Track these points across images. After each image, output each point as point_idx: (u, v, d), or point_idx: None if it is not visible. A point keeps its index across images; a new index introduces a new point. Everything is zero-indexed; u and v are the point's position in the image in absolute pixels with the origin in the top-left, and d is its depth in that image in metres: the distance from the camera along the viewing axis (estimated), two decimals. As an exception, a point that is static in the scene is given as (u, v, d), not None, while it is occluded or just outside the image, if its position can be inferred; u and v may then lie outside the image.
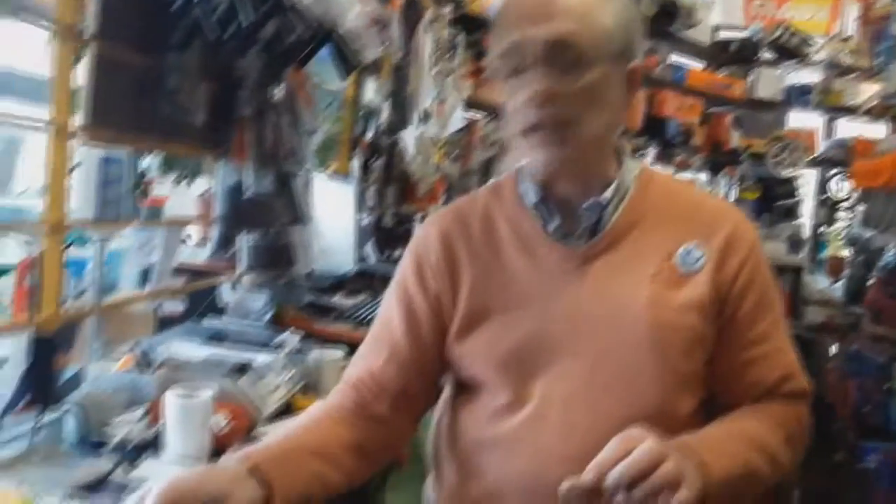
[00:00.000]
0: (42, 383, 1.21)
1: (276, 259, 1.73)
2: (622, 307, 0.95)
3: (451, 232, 1.04)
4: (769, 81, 4.16)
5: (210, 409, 1.27)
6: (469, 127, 3.14)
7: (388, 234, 3.09)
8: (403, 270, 1.06)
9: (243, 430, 1.38)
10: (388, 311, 1.06)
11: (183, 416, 1.24)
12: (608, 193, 0.98)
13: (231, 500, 0.80)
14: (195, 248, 1.91)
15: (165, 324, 1.89)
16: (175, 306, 1.89)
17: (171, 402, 1.24)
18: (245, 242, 1.69)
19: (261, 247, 1.69)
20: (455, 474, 1.04)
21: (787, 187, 4.12)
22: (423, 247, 1.05)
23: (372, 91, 2.83)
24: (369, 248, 2.94)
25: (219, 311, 1.92)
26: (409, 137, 2.35)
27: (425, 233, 1.07)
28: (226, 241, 1.65)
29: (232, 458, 0.87)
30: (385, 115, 2.79)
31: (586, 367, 0.95)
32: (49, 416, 1.26)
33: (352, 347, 1.83)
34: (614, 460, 0.79)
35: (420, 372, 1.03)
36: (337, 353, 1.74)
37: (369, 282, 2.59)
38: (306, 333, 1.89)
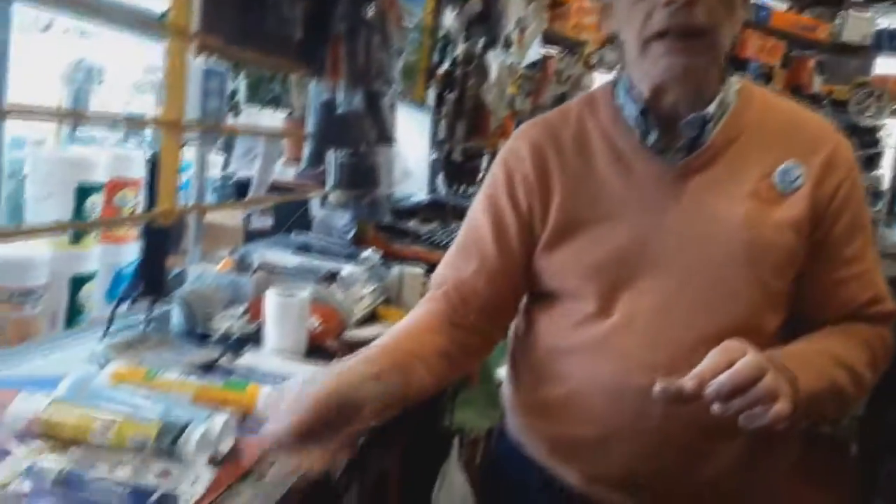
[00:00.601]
0: (154, 276, 1.30)
1: (361, 178, 1.78)
2: (717, 224, 0.96)
3: (542, 144, 1.04)
4: (857, 24, 3.96)
5: (307, 307, 1.35)
6: (544, 61, 3.11)
7: (456, 169, 3.11)
8: (494, 182, 1.08)
9: (334, 331, 1.46)
10: (477, 221, 1.07)
11: (282, 313, 1.32)
12: (711, 108, 0.97)
13: (366, 408, 0.85)
14: (284, 167, 1.98)
15: (253, 238, 1.98)
16: (263, 221, 1.97)
17: (272, 299, 1.32)
18: (334, 160, 1.75)
19: (348, 165, 1.74)
20: (534, 379, 1.07)
21: (870, 136, 3.96)
22: (514, 159, 1.05)
23: (450, 21, 2.82)
24: (439, 181, 2.98)
25: (304, 227, 1.99)
26: (493, 62, 2.34)
27: (516, 145, 1.07)
28: (317, 158, 1.71)
29: (358, 363, 0.92)
30: (461, 46, 2.78)
31: (676, 282, 0.96)
32: (159, 308, 1.36)
33: (429, 267, 1.90)
34: (716, 370, 0.80)
35: (508, 283, 1.05)
36: (417, 269, 1.80)
37: (440, 212, 2.64)
38: (385, 252, 1.96)
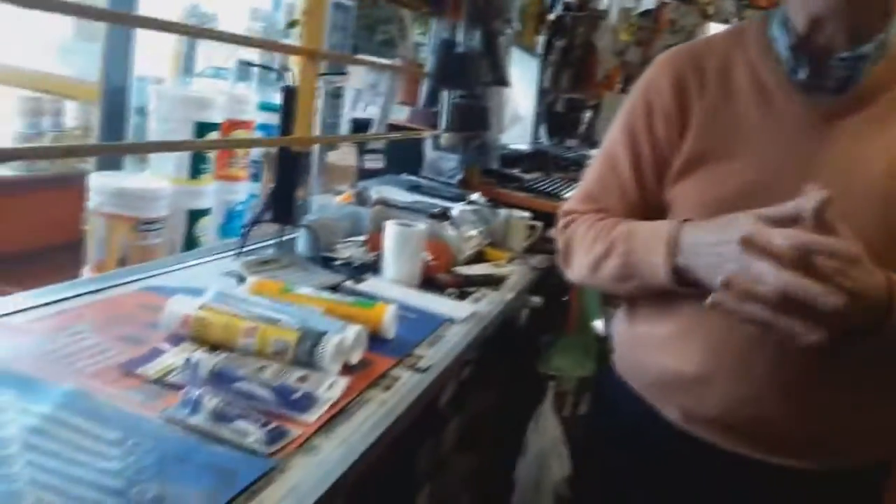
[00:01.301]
0: (284, 202, 1.37)
1: (473, 120, 1.79)
2: (856, 172, 0.91)
3: (683, 73, 1.01)
4: None
5: (423, 239, 1.39)
6: (658, 9, 3.00)
7: (559, 120, 3.07)
8: (632, 114, 1.06)
9: (444, 266, 1.49)
10: (614, 151, 1.06)
11: (401, 243, 1.36)
12: (869, 47, 0.91)
13: None
14: (397, 108, 2.01)
15: (366, 177, 2.03)
16: (376, 162, 2.02)
17: (392, 230, 1.37)
18: (447, 101, 1.76)
19: (461, 106, 1.75)
20: (647, 313, 1.05)
21: None
22: (653, 91, 1.03)
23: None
24: (542, 130, 2.95)
25: (413, 168, 2.03)
26: (612, 4, 2.27)
27: (656, 75, 1.04)
28: (433, 97, 1.72)
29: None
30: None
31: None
32: (288, 233, 1.42)
33: (535, 214, 1.90)
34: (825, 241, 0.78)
35: (644, 214, 1.04)
36: (524, 214, 1.81)
37: (542, 161, 2.63)
38: (490, 197, 1.97)
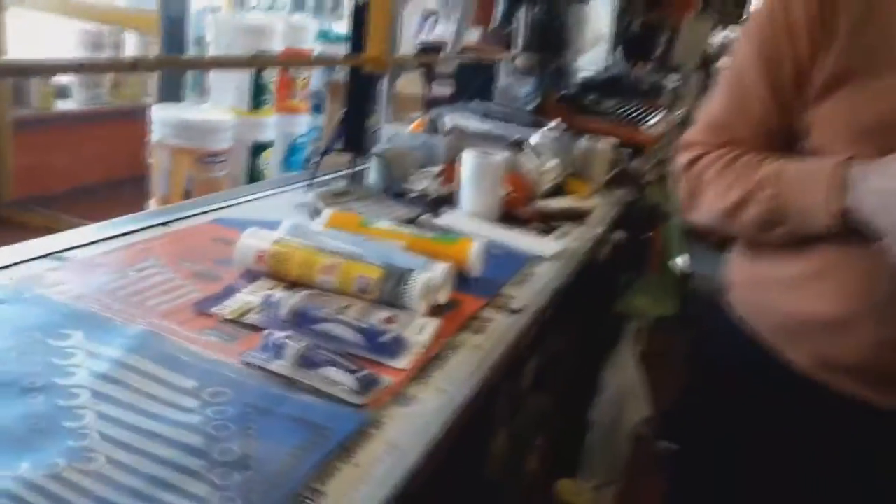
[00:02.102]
0: (356, 130, 1.26)
1: (551, 39, 1.63)
2: None
3: None
4: None
5: (502, 170, 1.26)
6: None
7: (634, 43, 2.85)
8: (766, 23, 0.88)
9: (523, 200, 1.38)
10: (745, 71, 0.91)
11: (480, 174, 1.25)
12: None
13: None
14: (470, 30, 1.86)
15: (433, 105, 1.90)
16: (444, 89, 1.88)
17: (470, 160, 1.25)
18: (524, 19, 1.60)
19: (539, 24, 1.60)
20: (775, 250, 0.93)
21: None
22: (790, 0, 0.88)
23: None
24: (618, 54, 2.74)
25: (484, 96, 1.89)
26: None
27: None
28: (508, 16, 1.57)
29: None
30: None
31: None
32: (359, 164, 1.32)
33: (619, 142, 1.75)
34: None
35: (781, 143, 0.90)
36: (607, 142, 1.66)
37: (620, 87, 2.44)
38: (568, 125, 1.82)
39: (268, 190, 1.26)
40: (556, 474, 1.97)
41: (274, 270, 0.87)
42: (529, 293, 0.98)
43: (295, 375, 0.67)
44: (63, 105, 3.39)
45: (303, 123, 2.93)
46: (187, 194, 2.69)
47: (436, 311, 0.86)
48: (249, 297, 0.82)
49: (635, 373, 1.92)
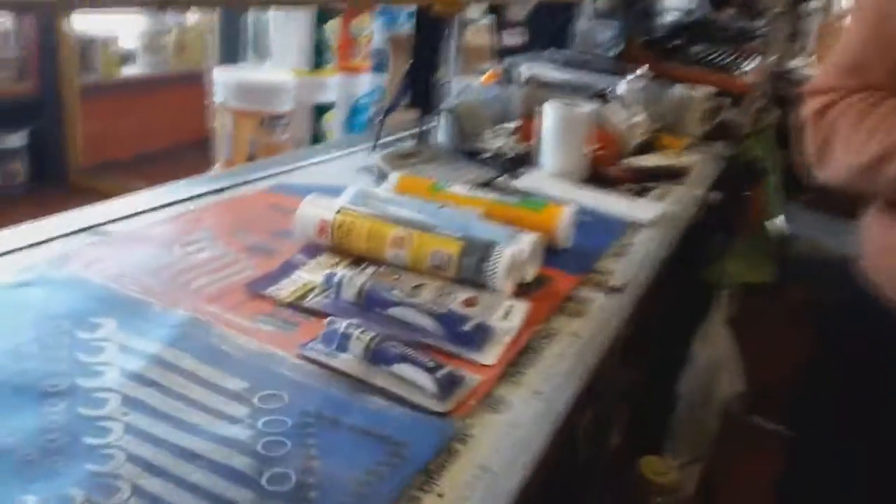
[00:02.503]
0: (423, 84, 1.13)
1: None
2: None
3: None
4: None
5: (589, 123, 1.11)
6: None
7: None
8: None
9: (611, 157, 1.22)
10: (886, 5, 0.76)
11: (563, 128, 1.09)
12: None
13: None
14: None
15: (504, 56, 1.74)
16: (515, 38, 1.72)
17: (552, 112, 1.09)
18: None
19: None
20: None
21: None
22: None
23: None
24: (703, -3, 2.49)
25: (559, 44, 1.71)
26: None
27: None
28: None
29: None
30: None
31: None
32: (427, 122, 1.19)
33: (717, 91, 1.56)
34: None
35: None
36: (702, 91, 1.47)
37: (704, 31, 2.21)
38: (655, 73, 1.63)
39: (329, 153, 1.14)
40: (640, 450, 1.84)
41: (337, 243, 0.75)
42: (629, 267, 0.84)
43: (363, 374, 0.55)
44: (127, 71, 3.37)
45: (365, 83, 2.81)
46: (251, 158, 2.61)
47: (522, 290, 0.72)
48: (310, 275, 0.70)
49: (727, 344, 1.75)
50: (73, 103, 3.09)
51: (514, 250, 0.70)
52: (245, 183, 0.95)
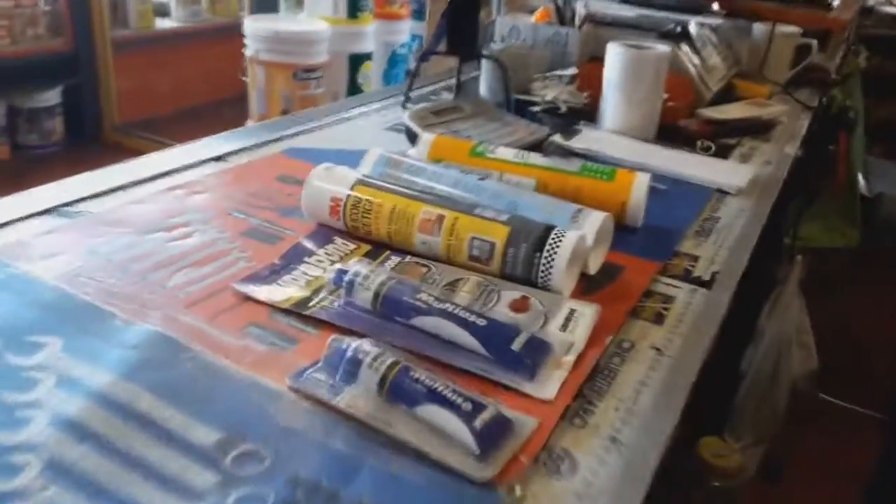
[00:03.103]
0: (463, 25, 0.95)
1: None
2: None
3: None
4: None
5: (662, 68, 0.92)
6: None
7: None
8: None
9: (685, 109, 1.03)
10: None
11: (632, 75, 0.90)
12: None
13: None
14: None
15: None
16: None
17: (618, 56, 0.91)
18: None
19: None
20: None
21: None
22: None
23: None
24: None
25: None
26: None
27: None
28: None
29: None
30: None
31: None
32: (468, 71, 1.02)
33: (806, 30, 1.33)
34: None
35: None
36: (787, 29, 1.25)
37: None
38: (729, 10, 1.41)
39: (359, 107, 0.98)
40: (700, 431, 1.68)
41: (353, 227, 0.59)
42: (719, 250, 0.66)
43: (376, 419, 0.40)
44: (162, 24, 3.23)
45: (404, 31, 2.62)
46: (284, 113, 2.47)
47: (585, 286, 0.56)
48: (317, 269, 0.55)
49: (800, 318, 1.55)
50: (107, 58, 2.97)
51: (578, 236, 0.54)
52: (255, 147, 0.80)
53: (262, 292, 0.51)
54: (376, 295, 0.49)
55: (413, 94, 1.01)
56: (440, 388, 0.41)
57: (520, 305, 0.52)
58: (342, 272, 0.51)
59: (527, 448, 0.40)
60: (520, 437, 0.40)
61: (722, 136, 0.96)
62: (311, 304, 0.51)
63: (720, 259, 0.65)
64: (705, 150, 0.92)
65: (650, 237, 0.66)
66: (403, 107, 0.98)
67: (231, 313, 0.49)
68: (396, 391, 0.41)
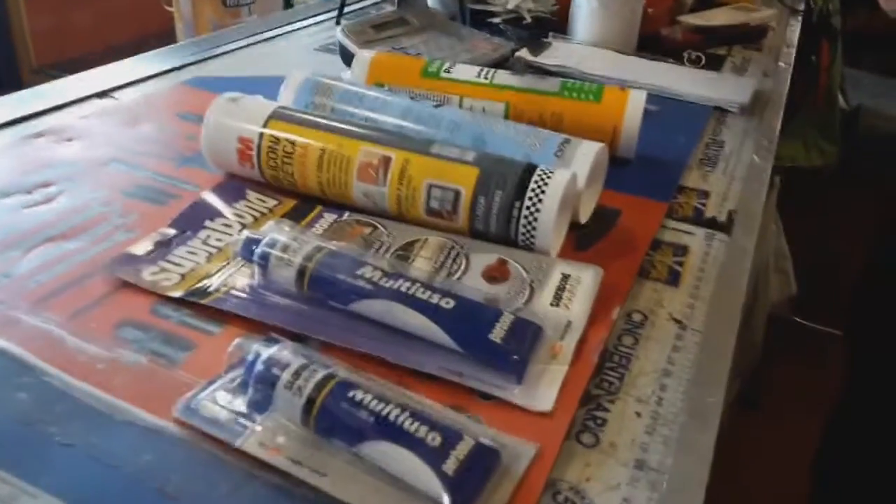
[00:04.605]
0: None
1: None
2: None
3: None
4: None
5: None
6: None
7: None
8: None
9: (666, 15, 0.88)
10: None
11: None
12: None
13: None
14: None
15: None
16: None
17: (592, -48, 0.76)
18: None
19: None
20: None
21: None
22: None
23: None
24: None
25: None
26: None
27: None
28: None
29: None
30: None
31: None
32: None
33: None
34: None
35: None
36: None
37: None
38: None
39: (276, 28, 0.81)
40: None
41: (271, 176, 0.45)
42: (732, 183, 0.54)
43: (299, 468, 0.27)
44: (73, -51, 2.88)
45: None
46: (217, 46, 2.24)
47: (576, 239, 0.43)
48: (222, 237, 0.41)
49: (780, 242, 1.47)
50: (14, -7, 2.65)
51: (569, 176, 0.40)
52: (150, 77, 0.64)
53: (144, 275, 0.37)
54: (301, 272, 0.35)
55: (348, 10, 0.84)
56: (394, 415, 0.28)
57: (496, 272, 0.39)
58: (252, 241, 0.37)
59: (522, 492, 0.27)
60: (512, 475, 0.28)
61: (710, 46, 0.83)
62: (210, 289, 0.36)
63: (734, 194, 0.52)
64: (694, 63, 0.78)
65: (647, 170, 0.53)
66: (337, 22, 0.81)
67: (99, 309, 0.35)
68: (330, 422, 0.28)
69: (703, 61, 0.78)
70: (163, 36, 2.51)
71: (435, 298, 0.34)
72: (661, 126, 0.61)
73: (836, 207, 1.59)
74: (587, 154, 0.44)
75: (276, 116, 0.45)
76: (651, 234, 0.45)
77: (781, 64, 0.82)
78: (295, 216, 0.43)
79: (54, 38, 2.77)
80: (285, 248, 0.36)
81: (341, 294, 0.35)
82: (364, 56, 0.57)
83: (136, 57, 0.69)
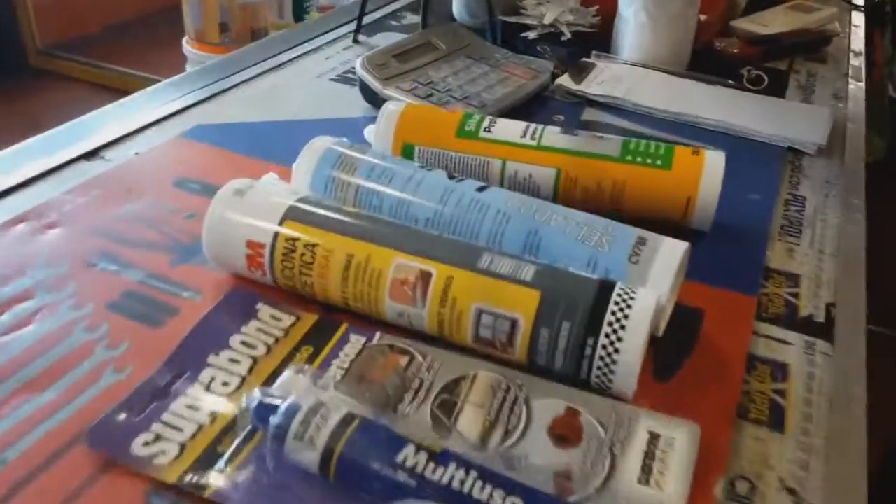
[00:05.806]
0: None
1: None
2: None
3: None
4: None
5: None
6: None
7: None
8: None
9: (718, 21, 0.78)
10: None
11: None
12: None
13: None
14: None
15: None
16: None
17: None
18: None
19: None
20: None
21: None
22: None
23: None
24: None
25: None
26: None
27: None
28: None
29: None
30: None
31: None
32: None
33: None
34: None
35: None
36: None
37: None
38: None
39: (285, 52, 0.71)
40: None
41: (287, 285, 0.37)
42: (822, 259, 0.45)
43: None
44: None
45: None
46: (224, 28, 2.13)
47: (656, 359, 0.35)
48: (229, 377, 0.33)
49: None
50: (18, -29, 2.54)
51: (656, 300, 0.32)
52: (146, 128, 0.55)
53: (135, 447, 0.29)
54: (327, 456, 0.28)
55: (367, 21, 0.75)
56: None
57: (566, 429, 0.31)
58: (266, 408, 0.29)
59: None
60: None
61: (770, 59, 0.73)
62: (215, 467, 0.29)
63: (827, 277, 0.44)
64: (755, 83, 0.68)
65: (724, 246, 0.45)
66: (355, 40, 0.72)
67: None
68: None
69: (766, 82, 0.68)
70: (168, 15, 2.40)
71: (497, 499, 0.26)
72: (729, 176, 0.52)
73: (882, 204, 1.48)
74: (671, 258, 0.35)
75: (290, 214, 0.36)
76: (744, 348, 0.37)
77: (852, 85, 0.72)
78: (316, 339, 0.35)
79: (58, 15, 2.66)
80: (306, 420, 0.28)
81: (377, 491, 0.27)
82: (391, 110, 0.48)
83: (129, 98, 0.60)
